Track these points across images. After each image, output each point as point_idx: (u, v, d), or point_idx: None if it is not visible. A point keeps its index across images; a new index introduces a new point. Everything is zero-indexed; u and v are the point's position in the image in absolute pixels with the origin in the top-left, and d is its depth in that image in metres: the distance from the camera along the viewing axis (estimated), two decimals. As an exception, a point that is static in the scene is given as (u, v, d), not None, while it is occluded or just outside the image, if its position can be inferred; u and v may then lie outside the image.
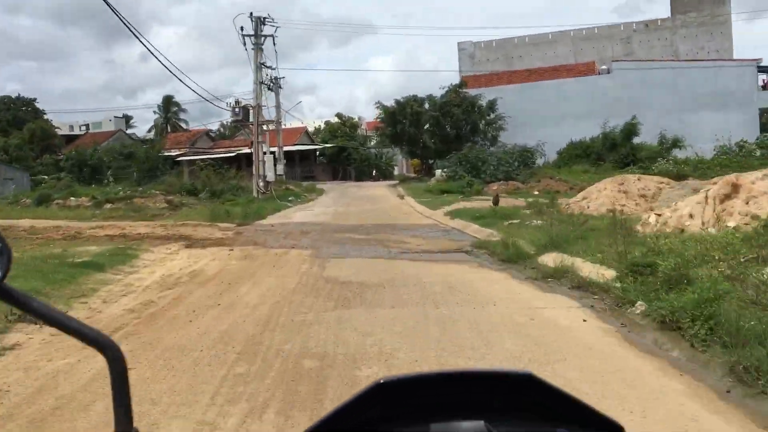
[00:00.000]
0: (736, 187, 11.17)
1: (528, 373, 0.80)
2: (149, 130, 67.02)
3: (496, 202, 18.30)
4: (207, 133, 59.44)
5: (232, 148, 50.35)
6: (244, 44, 31.44)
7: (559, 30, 53.24)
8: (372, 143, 57.90)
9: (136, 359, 5.54)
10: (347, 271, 10.36)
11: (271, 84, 32.86)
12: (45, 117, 60.09)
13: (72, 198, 32.97)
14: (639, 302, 6.76)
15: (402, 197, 31.59)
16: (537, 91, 43.55)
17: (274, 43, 32.57)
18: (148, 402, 4.43)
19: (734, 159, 28.18)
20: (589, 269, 8.75)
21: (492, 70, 50.92)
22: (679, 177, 19.94)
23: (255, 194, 31.66)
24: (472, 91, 43.61)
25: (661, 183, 17.65)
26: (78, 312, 7.50)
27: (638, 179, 17.67)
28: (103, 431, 3.92)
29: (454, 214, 19.01)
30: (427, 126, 44.17)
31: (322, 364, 5.17)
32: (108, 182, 39.49)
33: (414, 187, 36.79)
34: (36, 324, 6.22)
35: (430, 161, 46.55)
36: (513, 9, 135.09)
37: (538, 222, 14.89)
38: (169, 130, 64.98)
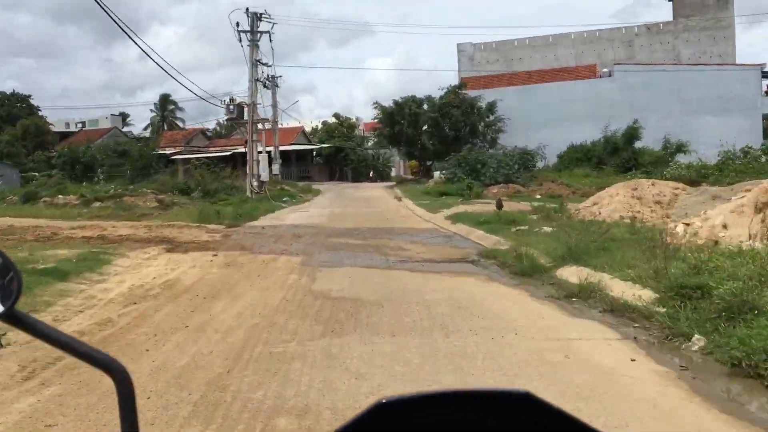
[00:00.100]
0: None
1: (526, 392, 0.78)
2: (145, 128, 65.60)
3: (500, 205, 16.98)
4: (203, 131, 57.99)
5: (228, 147, 48.95)
6: (240, 40, 30.09)
7: (559, 32, 51.98)
8: (369, 144, 56.57)
9: (61, 411, 4.20)
10: (340, 284, 9.01)
11: (267, 82, 31.46)
12: (40, 114, 58.63)
13: (60, 196, 31.58)
14: (696, 336, 5.43)
15: (399, 199, 30.28)
16: (537, 94, 42.23)
17: (270, 40, 31.30)
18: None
19: (749, 165, 26.89)
20: (620, 288, 7.42)
21: (491, 71, 49.57)
22: (693, 183, 18.66)
23: (248, 194, 30.31)
24: (471, 93, 42.28)
25: (677, 189, 16.36)
26: (16, 335, 6.14)
27: (652, 184, 16.36)
28: None
29: (455, 218, 17.68)
30: (425, 127, 42.84)
31: (300, 426, 3.83)
32: (99, 180, 37.98)
33: (412, 188, 35.48)
34: None
35: (428, 163, 45.23)
36: (512, 11, 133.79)
37: (548, 229, 13.57)
38: (165, 128, 63.54)
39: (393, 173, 57.80)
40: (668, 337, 5.69)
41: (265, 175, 31.24)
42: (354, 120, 61.16)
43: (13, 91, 60.27)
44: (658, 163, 33.57)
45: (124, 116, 70.89)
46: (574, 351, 5.35)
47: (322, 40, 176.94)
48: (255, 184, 30.36)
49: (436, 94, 43.19)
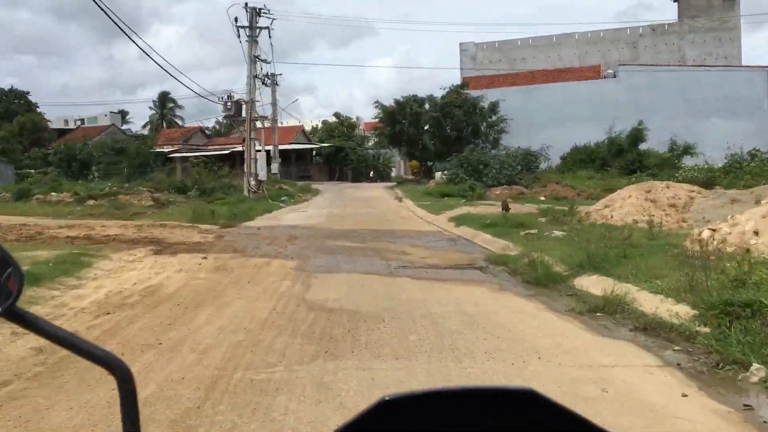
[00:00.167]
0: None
1: (530, 389, 0.78)
2: (144, 126, 64.66)
3: (506, 207, 16.12)
4: (202, 129, 57.08)
5: (227, 146, 48.07)
6: (238, 36, 29.21)
7: (563, 32, 51.07)
8: (370, 144, 55.69)
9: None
10: (337, 292, 8.15)
11: (266, 78, 30.60)
12: (38, 110, 57.77)
13: (53, 193, 30.67)
14: (754, 365, 4.57)
15: (400, 200, 29.42)
16: (541, 94, 41.36)
17: (269, 36, 30.41)
18: None
19: (765, 167, 26.01)
20: (651, 302, 6.56)
21: (494, 71, 48.67)
22: (706, 185, 17.80)
23: (246, 193, 29.44)
24: (473, 93, 41.41)
25: (692, 191, 15.50)
26: None
27: (666, 186, 15.50)
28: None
29: (459, 221, 16.82)
30: (426, 127, 41.95)
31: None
32: (93, 178, 37.09)
33: (412, 189, 34.62)
34: None
35: (429, 163, 44.36)
36: (511, 11, 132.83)
37: (559, 233, 12.71)
38: (165, 126, 62.65)
39: (393, 173, 56.93)
40: (719, 364, 4.82)
41: (262, 174, 30.36)
42: (354, 119, 60.27)
43: (12, 87, 59.46)
44: (664, 166, 32.72)
45: (123, 114, 70.09)
46: (611, 382, 4.48)
47: (323, 40, 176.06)
48: (252, 183, 29.49)
49: (438, 94, 42.42)
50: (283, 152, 46.90)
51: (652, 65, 43.31)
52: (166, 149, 47.87)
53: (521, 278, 8.95)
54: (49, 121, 56.12)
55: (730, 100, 39.07)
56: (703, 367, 4.81)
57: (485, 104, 40.61)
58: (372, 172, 54.32)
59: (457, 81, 44.52)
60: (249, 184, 29.36)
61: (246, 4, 28.93)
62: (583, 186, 30.62)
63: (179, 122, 63.95)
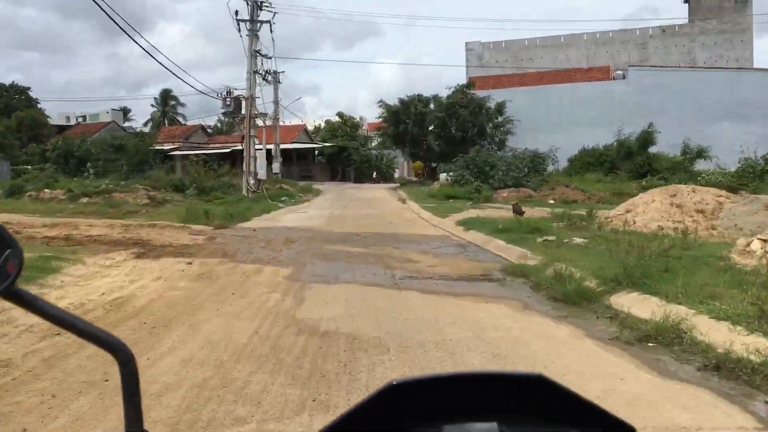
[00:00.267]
0: None
1: (539, 374, 0.78)
2: (145, 124, 63.42)
3: (519, 211, 14.85)
4: (203, 127, 55.81)
5: (228, 144, 46.81)
6: (239, 30, 27.96)
7: (571, 33, 49.72)
8: (373, 144, 54.40)
9: None
10: (333, 309, 6.90)
11: (267, 74, 29.35)
12: (38, 106, 56.60)
13: (46, 190, 29.51)
14: None
15: (404, 201, 28.14)
16: (548, 95, 40.06)
17: (271, 30, 29.13)
18: None
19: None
20: (716, 332, 5.30)
21: (500, 72, 47.32)
22: (731, 190, 16.52)
23: (245, 193, 28.19)
24: (480, 93, 40.08)
25: (720, 196, 14.22)
26: None
27: (692, 191, 14.21)
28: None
29: (468, 225, 15.56)
30: (431, 127, 40.60)
31: None
32: (89, 175, 35.87)
33: (416, 191, 33.34)
34: None
35: (434, 164, 43.08)
36: (513, 10, 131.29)
37: (580, 240, 11.45)
38: (166, 124, 61.44)
39: (396, 174, 55.63)
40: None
41: (262, 173, 29.10)
42: (358, 119, 58.95)
43: (13, 82, 58.27)
44: (676, 169, 31.40)
45: (125, 111, 68.97)
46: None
47: (327, 41, 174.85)
48: (252, 182, 28.23)
49: (443, 94, 41.11)
50: (284, 151, 45.65)
51: (662, 67, 41.96)
52: (166, 147, 46.63)
53: (546, 294, 7.69)
54: (48, 117, 54.87)
55: (742, 103, 37.72)
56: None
57: (491, 105, 39.32)
58: (375, 173, 53.02)
59: (463, 81, 43.17)
60: (248, 184, 28.13)
61: (247, -3, 27.70)
62: (593, 189, 29.38)
63: (181, 120, 62.76)
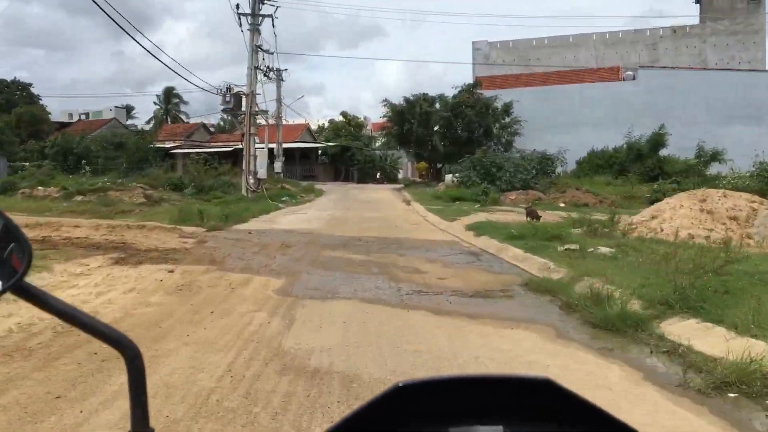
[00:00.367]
0: None
1: (546, 378, 0.76)
2: (148, 122, 62.18)
3: (534, 215, 13.61)
4: (205, 126, 54.57)
5: (230, 143, 45.57)
6: (240, 24, 26.73)
7: (580, 33, 48.28)
8: (377, 144, 53.12)
9: None
10: (327, 336, 5.66)
11: (268, 70, 28.10)
12: (40, 103, 55.50)
13: (40, 187, 28.33)
14: None
15: (408, 203, 26.87)
16: (556, 95, 38.74)
17: (273, 25, 27.86)
18: None
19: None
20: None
21: (508, 72, 45.99)
22: (762, 194, 15.23)
23: (244, 192, 26.96)
24: (486, 93, 38.81)
25: (753, 202, 12.95)
26: None
27: (723, 195, 12.93)
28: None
29: (477, 229, 14.30)
30: (436, 127, 39.34)
31: None
32: (85, 172, 34.70)
33: (421, 192, 32.09)
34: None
35: (439, 165, 41.80)
36: (526, 9, 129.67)
37: (606, 249, 10.19)
38: (169, 121, 60.24)
39: (400, 175, 54.36)
40: None
41: (262, 173, 27.86)
42: (362, 119, 57.65)
43: (15, 78, 57.16)
44: (689, 173, 30.09)
45: (129, 109, 67.82)
46: None
47: (331, 41, 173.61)
48: (251, 181, 27.00)
49: (449, 93, 39.84)
50: (287, 151, 44.41)
51: (673, 68, 40.62)
52: (167, 145, 45.44)
53: (580, 317, 6.43)
54: (49, 113, 53.72)
55: (755, 106, 36.40)
56: None
57: (498, 105, 38.05)
58: (379, 174, 51.74)
59: (469, 81, 41.88)
60: (247, 183, 26.89)
61: (249, -11, 26.46)
62: (603, 192, 28.11)
63: (184, 118, 61.49)
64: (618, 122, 35.88)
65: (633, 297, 6.57)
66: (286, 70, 39.75)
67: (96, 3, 19.16)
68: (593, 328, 6.03)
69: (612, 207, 24.55)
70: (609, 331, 5.88)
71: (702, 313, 5.76)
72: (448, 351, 5.21)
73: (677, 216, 12.55)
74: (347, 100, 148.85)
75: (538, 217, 13.46)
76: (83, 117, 62.81)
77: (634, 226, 12.72)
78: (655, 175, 31.77)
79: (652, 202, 26.94)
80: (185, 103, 62.59)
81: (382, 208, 23.80)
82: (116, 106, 64.05)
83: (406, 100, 39.71)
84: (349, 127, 53.93)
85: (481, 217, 17.52)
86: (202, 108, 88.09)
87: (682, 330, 5.55)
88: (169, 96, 60.83)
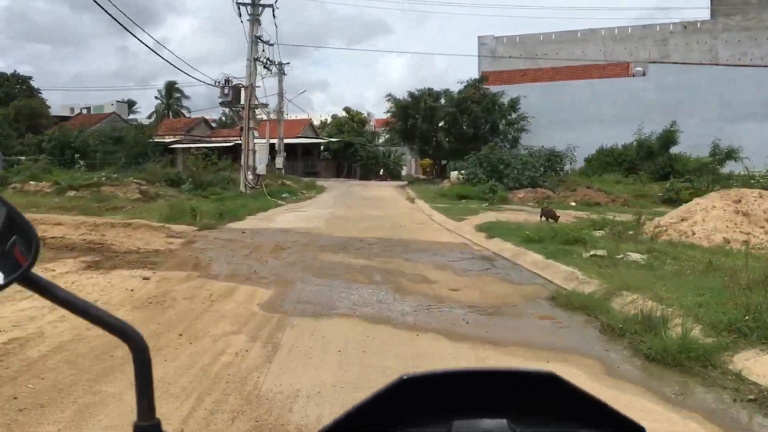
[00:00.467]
0: None
1: (551, 372, 0.76)
2: (149, 116, 60.92)
3: (552, 215, 12.39)
4: (206, 121, 53.31)
5: (230, 138, 44.35)
6: (240, 15, 25.47)
7: (589, 28, 46.89)
8: (380, 140, 51.84)
9: None
10: (317, 373, 4.46)
11: (268, 62, 26.85)
12: (40, 96, 54.32)
13: (31, 182, 27.17)
14: None
15: (412, 201, 25.66)
16: (564, 91, 37.46)
17: (273, 15, 26.59)
18: None
19: None
20: None
21: (514, 67, 44.64)
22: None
23: (242, 188, 25.77)
24: (493, 88, 37.50)
25: (792, 203, 11.68)
26: None
27: (759, 196, 11.68)
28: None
29: (488, 231, 13.08)
30: (441, 123, 38.04)
31: None
32: (80, 167, 33.54)
33: (425, 189, 30.86)
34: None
35: (443, 162, 40.53)
36: (535, 2, 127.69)
37: (637, 256, 8.96)
38: (170, 116, 59.00)
39: (404, 172, 53.09)
40: None
41: (261, 168, 26.66)
42: (365, 115, 56.32)
43: (15, 71, 55.96)
44: (702, 171, 28.78)
45: (131, 103, 66.53)
46: None
47: (335, 38, 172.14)
48: (250, 177, 25.79)
49: (455, 88, 38.52)
50: (288, 146, 43.19)
51: (684, 63, 39.28)
52: (167, 140, 44.26)
53: (628, 345, 5.21)
54: (49, 107, 52.48)
55: (768, 103, 35.10)
56: None
57: (505, 101, 36.75)
58: (382, 170, 50.49)
59: (475, 76, 40.56)
60: (246, 179, 25.69)
61: (248, -23, 25.18)
62: (612, 190, 26.87)
63: (185, 113, 60.17)
64: (627, 119, 34.63)
65: (688, 319, 5.35)
66: (288, 63, 38.59)
67: (97, 2, 18.15)
68: (648, 362, 4.81)
69: (625, 206, 23.58)
70: (668, 367, 4.66)
71: (786, 345, 4.55)
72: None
73: (709, 218, 11.32)
74: (351, 98, 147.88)
75: (556, 218, 12.23)
76: (85, 111, 61.67)
77: (663, 229, 11.48)
78: (666, 174, 30.51)
79: (665, 202, 25.78)
80: (187, 97, 61.32)
81: (385, 206, 22.59)
82: (118, 101, 62.84)
83: (411, 95, 38.46)
84: (352, 122, 52.64)
85: (491, 216, 16.31)
86: (205, 103, 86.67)
87: (761, 366, 4.34)
88: (171, 91, 59.52)
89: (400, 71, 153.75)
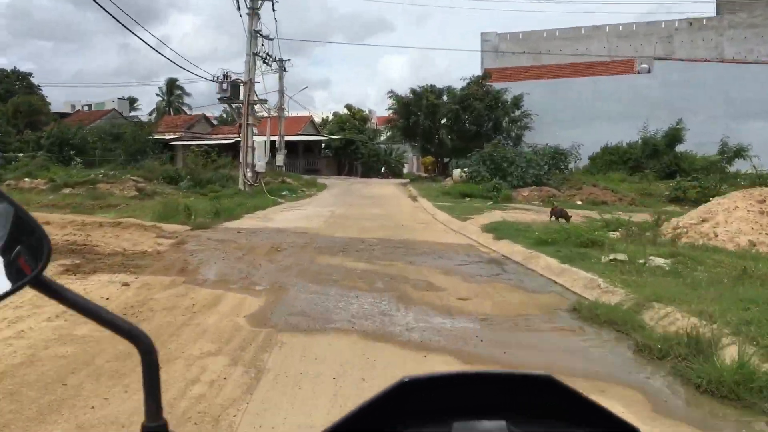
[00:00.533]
0: None
1: (548, 375, 0.75)
2: (150, 113, 60.13)
3: (563, 215, 11.59)
4: (206, 118, 52.49)
5: (231, 135, 43.56)
6: (238, 8, 24.64)
7: (593, 24, 46.01)
8: (382, 138, 51.01)
9: None
10: (307, 409, 3.69)
11: (267, 57, 26.04)
12: (40, 92, 53.53)
13: (26, 179, 26.44)
14: None
15: (415, 199, 24.88)
16: (568, 89, 36.61)
17: (273, 9, 25.78)
18: None
19: None
20: None
21: (517, 64, 43.75)
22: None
23: (241, 186, 24.99)
24: (496, 85, 36.67)
25: (819, 203, 10.87)
26: None
27: (784, 195, 10.88)
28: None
29: (495, 231, 12.28)
30: (444, 120, 37.20)
31: None
32: (76, 164, 32.80)
33: (428, 187, 30.07)
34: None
35: (446, 160, 39.71)
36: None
37: (661, 260, 8.16)
38: (171, 113, 58.21)
39: (406, 170, 52.27)
40: None
41: (260, 165, 25.85)
42: (367, 112, 55.47)
43: (15, 68, 55.16)
44: (709, 170, 27.96)
45: (132, 101, 65.74)
46: None
47: (338, 36, 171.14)
48: (249, 175, 25.00)
49: (457, 85, 37.66)
50: (289, 143, 42.39)
51: (690, 60, 38.41)
52: (167, 137, 43.48)
53: (672, 371, 4.42)
54: (49, 104, 51.66)
55: (776, 101, 34.22)
56: None
57: (508, 98, 35.91)
58: (384, 168, 49.66)
59: (478, 73, 39.70)
60: (244, 176, 24.90)
61: (246, -31, 24.34)
62: (618, 188, 26.06)
63: (186, 110, 59.40)
64: (632, 117, 33.81)
65: (737, 338, 4.56)
66: (288, 60, 37.78)
67: (96, 2, 17.48)
68: (699, 394, 4.02)
69: (632, 205, 22.79)
70: (725, 401, 3.87)
71: None
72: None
73: (732, 219, 10.52)
74: (352, 96, 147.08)
75: (568, 218, 11.45)
76: (86, 108, 60.89)
77: (683, 230, 10.67)
78: (672, 172, 29.74)
79: (671, 201, 24.99)
80: (188, 95, 60.57)
81: (386, 205, 21.81)
82: (119, 98, 62.04)
83: (413, 91, 37.61)
84: (353, 120, 51.81)
85: (497, 215, 15.53)
86: (207, 100, 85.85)
87: None
88: (172, 87, 58.74)
89: (401, 70, 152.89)
